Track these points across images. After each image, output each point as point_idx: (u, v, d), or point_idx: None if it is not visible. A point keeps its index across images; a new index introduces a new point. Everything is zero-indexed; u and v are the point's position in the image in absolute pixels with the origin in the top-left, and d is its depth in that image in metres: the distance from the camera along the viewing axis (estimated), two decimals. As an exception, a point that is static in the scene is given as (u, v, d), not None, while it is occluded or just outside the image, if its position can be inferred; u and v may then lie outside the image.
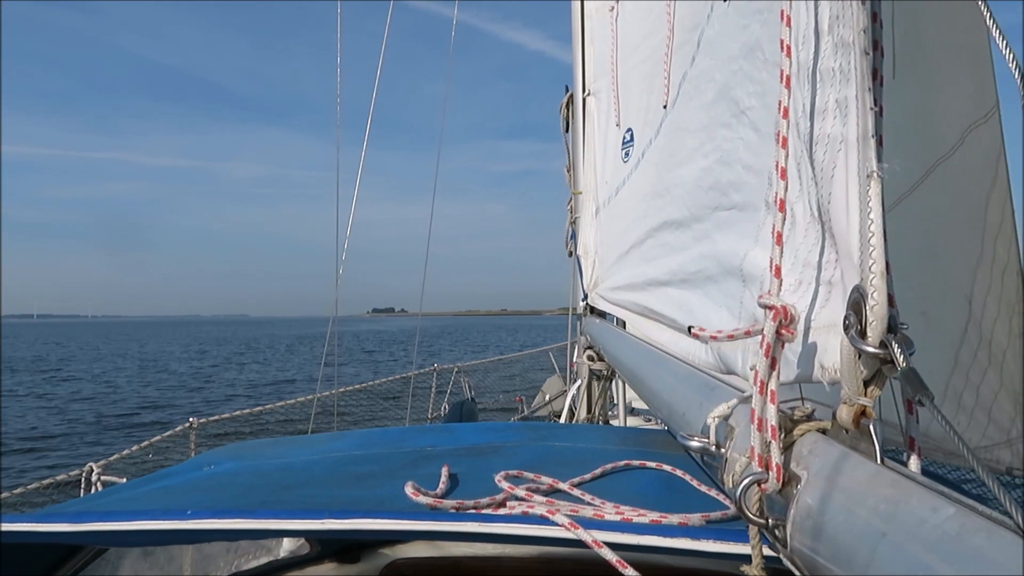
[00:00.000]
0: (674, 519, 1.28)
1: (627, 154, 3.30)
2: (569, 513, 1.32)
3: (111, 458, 5.20)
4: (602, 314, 3.97)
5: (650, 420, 5.52)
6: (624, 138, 3.38)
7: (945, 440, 3.09)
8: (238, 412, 7.18)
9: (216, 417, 6.73)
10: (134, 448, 5.55)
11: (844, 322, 0.72)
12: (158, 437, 5.86)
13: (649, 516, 1.31)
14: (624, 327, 3.45)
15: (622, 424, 4.44)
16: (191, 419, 6.17)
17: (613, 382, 4.40)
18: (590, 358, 4.09)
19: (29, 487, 4.78)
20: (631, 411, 4.75)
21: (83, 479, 4.89)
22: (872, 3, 0.74)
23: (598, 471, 1.68)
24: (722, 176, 1.64)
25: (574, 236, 4.57)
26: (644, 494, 1.52)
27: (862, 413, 0.72)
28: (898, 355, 0.67)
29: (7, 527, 1.30)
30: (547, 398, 9.16)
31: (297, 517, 1.37)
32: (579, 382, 4.51)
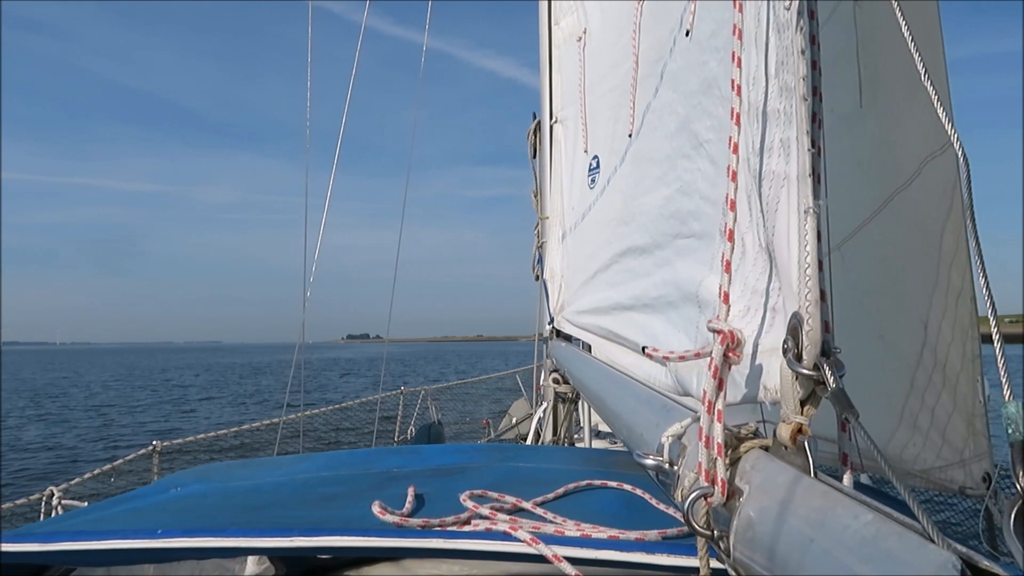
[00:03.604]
0: (631, 535, 1.33)
1: (593, 181, 3.36)
2: (531, 530, 1.37)
3: (72, 482, 5.11)
4: (568, 337, 4.02)
5: (615, 443, 5.56)
6: (591, 165, 3.44)
7: (901, 462, 3.18)
8: (202, 435, 7.08)
9: (180, 440, 6.63)
10: (96, 472, 5.45)
11: (783, 346, 0.78)
12: (120, 460, 5.76)
13: (608, 532, 1.35)
14: (590, 350, 3.49)
15: (587, 446, 4.49)
16: (154, 442, 6.08)
17: (579, 405, 4.45)
18: (555, 381, 4.13)
19: None
20: (597, 434, 4.79)
21: (43, 503, 4.80)
22: (812, 51, 0.80)
23: (561, 490, 1.73)
24: (682, 205, 1.70)
25: (541, 260, 4.63)
26: (605, 512, 1.57)
27: (799, 430, 0.78)
28: (829, 377, 0.73)
29: None
30: (514, 421, 9.18)
31: (266, 535, 1.40)
32: (545, 405, 4.55)
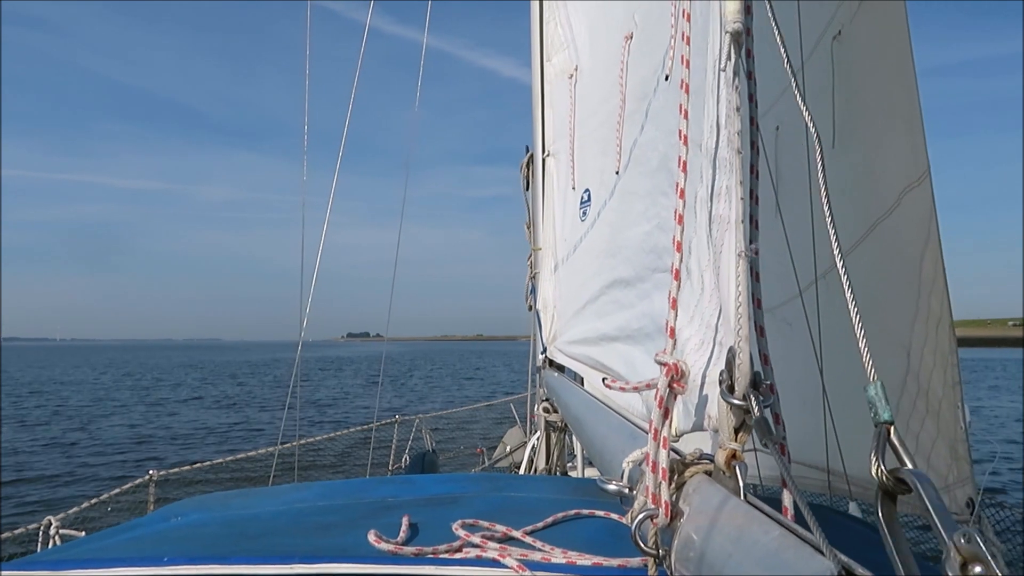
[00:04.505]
0: (615, 562, 1.39)
1: (584, 213, 3.43)
2: (519, 557, 1.43)
3: (69, 511, 5.11)
4: (561, 367, 4.07)
5: None
6: (582, 198, 3.51)
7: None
8: (198, 464, 7.12)
9: (176, 469, 6.65)
10: (93, 501, 5.46)
11: (719, 378, 0.84)
12: (117, 490, 5.78)
13: (592, 559, 1.41)
14: (583, 382, 3.55)
15: (580, 475, 4.51)
16: (151, 471, 6.11)
17: (571, 433, 4.49)
18: (546, 410, 4.19)
19: None
20: (590, 462, 4.82)
21: (41, 532, 4.80)
22: (751, 108, 0.87)
23: (550, 519, 1.78)
24: (659, 241, 1.77)
25: (534, 291, 4.69)
26: (592, 540, 1.61)
27: (733, 456, 0.84)
28: (754, 407, 0.79)
29: None
30: (508, 449, 9.17)
31: (267, 563, 1.46)
32: (538, 433, 4.59)
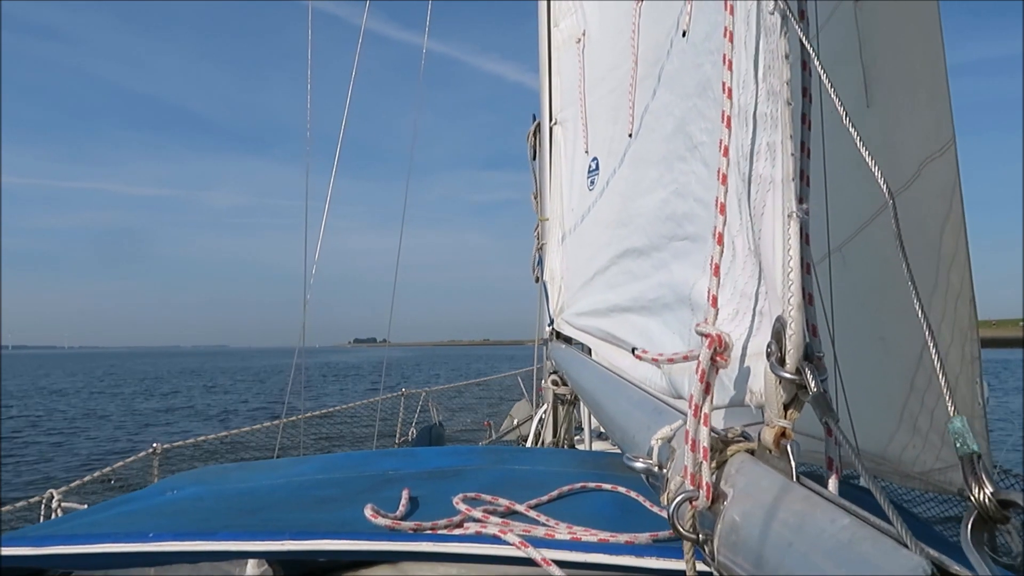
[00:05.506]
0: (622, 538, 1.34)
1: (592, 182, 3.37)
2: (521, 533, 1.38)
3: (72, 484, 5.11)
4: (568, 339, 4.02)
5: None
6: (590, 166, 3.45)
7: (901, 464, 3.17)
8: (203, 438, 7.10)
9: (180, 443, 6.64)
10: (96, 474, 5.46)
11: (767, 350, 0.78)
12: (120, 463, 5.77)
13: (599, 535, 1.36)
14: (590, 353, 3.50)
15: (587, 448, 4.49)
16: (154, 444, 6.09)
17: (578, 407, 4.45)
18: (554, 383, 4.15)
19: None
20: (598, 435, 4.80)
21: (43, 505, 4.81)
22: (803, 53, 0.80)
23: (554, 493, 1.73)
24: (677, 208, 1.70)
25: (541, 262, 4.64)
26: (598, 515, 1.57)
27: (782, 434, 0.78)
28: (810, 381, 0.73)
29: None
30: (515, 422, 9.17)
31: (257, 539, 1.40)
32: (545, 406, 4.56)
